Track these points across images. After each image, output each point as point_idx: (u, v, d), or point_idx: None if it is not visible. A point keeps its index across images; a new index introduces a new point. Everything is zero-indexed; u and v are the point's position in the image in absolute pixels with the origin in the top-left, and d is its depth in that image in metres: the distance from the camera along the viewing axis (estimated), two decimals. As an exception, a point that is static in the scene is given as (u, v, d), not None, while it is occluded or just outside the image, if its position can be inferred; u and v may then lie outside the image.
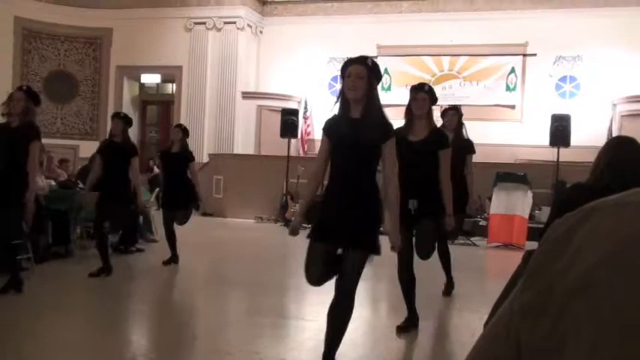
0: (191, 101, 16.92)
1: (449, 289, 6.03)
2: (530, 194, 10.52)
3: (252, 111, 16.84)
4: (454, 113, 6.36)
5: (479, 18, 15.28)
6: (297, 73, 16.52)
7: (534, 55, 15.23)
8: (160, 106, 18.45)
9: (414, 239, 4.58)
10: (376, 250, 3.40)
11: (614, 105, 14.59)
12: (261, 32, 17.36)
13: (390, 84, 15.73)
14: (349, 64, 3.46)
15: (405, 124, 4.64)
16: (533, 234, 9.52)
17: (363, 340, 4.47)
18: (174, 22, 16.90)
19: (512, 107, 15.51)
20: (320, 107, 15.64)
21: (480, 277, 7.72)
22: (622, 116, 14.45)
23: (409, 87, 4.93)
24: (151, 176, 14.59)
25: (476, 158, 6.60)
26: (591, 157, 2.93)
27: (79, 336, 4.53)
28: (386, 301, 6.16)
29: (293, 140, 14.07)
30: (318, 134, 14.46)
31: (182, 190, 7.37)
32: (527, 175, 10.67)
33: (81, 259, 7.52)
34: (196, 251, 8.54)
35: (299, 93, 16.56)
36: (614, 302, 0.48)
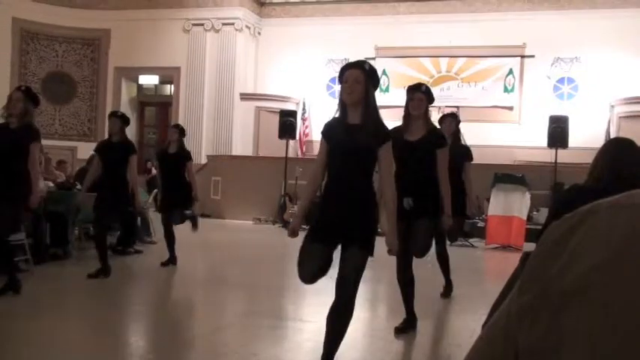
0: (189, 102, 16.89)
1: (447, 291, 6.04)
2: (528, 195, 10.53)
3: (250, 112, 16.83)
4: (452, 120, 6.46)
5: (477, 19, 15.30)
6: (296, 75, 16.52)
7: (532, 56, 15.25)
8: (158, 108, 18.43)
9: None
10: (371, 250, 3.41)
11: (612, 106, 14.62)
12: (259, 33, 17.35)
13: (388, 85, 15.75)
14: (347, 68, 3.49)
15: (403, 124, 4.65)
16: (531, 235, 9.53)
17: (361, 341, 4.47)
18: (172, 23, 16.89)
19: (511, 109, 15.51)
20: (318, 108, 15.66)
21: (478, 279, 7.71)
22: (620, 118, 14.48)
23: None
24: (149, 178, 14.56)
25: (474, 160, 6.71)
26: (589, 159, 2.93)
27: (77, 337, 4.53)
28: (385, 302, 6.17)
29: (291, 141, 14.05)
30: (316, 135, 14.47)
31: (179, 190, 7.37)
32: (526, 177, 10.69)
33: (79, 260, 7.53)
34: (194, 252, 8.54)
35: (297, 94, 16.55)
36: (610, 304, 0.49)
